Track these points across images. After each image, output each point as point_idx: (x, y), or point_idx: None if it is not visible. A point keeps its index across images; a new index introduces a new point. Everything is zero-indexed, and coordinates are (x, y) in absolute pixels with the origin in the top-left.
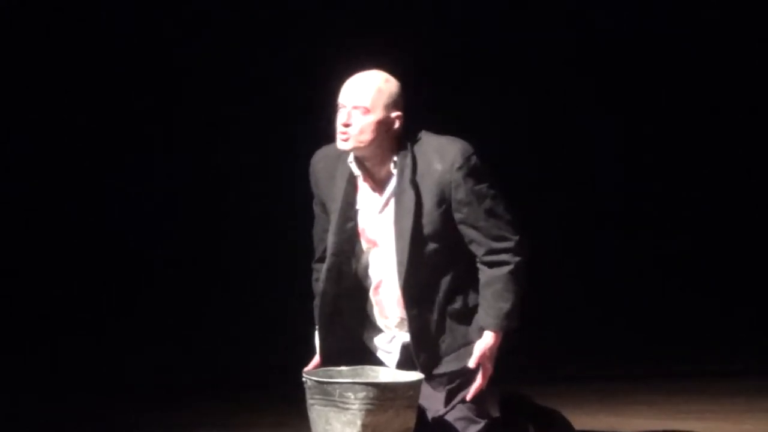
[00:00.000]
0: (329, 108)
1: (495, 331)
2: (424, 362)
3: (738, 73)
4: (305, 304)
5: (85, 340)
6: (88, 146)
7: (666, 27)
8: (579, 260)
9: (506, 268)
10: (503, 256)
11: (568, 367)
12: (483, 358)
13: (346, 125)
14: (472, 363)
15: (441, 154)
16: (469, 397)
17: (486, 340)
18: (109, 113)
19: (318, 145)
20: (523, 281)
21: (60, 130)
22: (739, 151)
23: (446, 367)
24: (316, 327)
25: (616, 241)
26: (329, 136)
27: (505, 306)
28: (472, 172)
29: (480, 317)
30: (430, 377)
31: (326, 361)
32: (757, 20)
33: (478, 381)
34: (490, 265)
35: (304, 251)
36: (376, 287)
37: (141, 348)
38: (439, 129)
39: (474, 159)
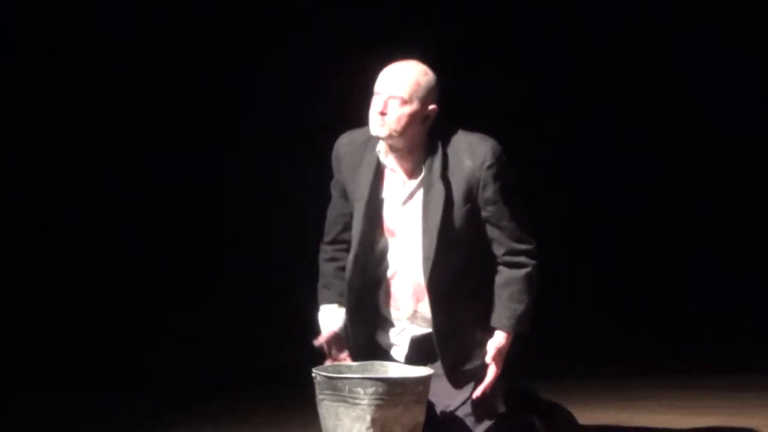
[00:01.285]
0: (332, 105)
1: (507, 332)
2: (446, 359)
3: (738, 72)
4: (311, 301)
5: (86, 339)
6: (87, 146)
7: (667, 24)
8: (580, 256)
9: (524, 271)
10: (522, 258)
11: (576, 364)
12: (495, 356)
13: (382, 113)
14: (488, 359)
15: (472, 152)
16: (476, 395)
17: (498, 339)
18: (109, 113)
19: (318, 143)
20: (537, 285)
21: (60, 130)
22: (740, 151)
23: (468, 364)
24: (320, 308)
25: (620, 235)
26: (335, 133)
27: (519, 308)
28: (501, 172)
29: (494, 317)
30: (451, 374)
31: (357, 353)
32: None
33: (488, 380)
34: (509, 265)
35: (311, 248)
36: (391, 278)
37: (144, 347)
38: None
39: (504, 159)
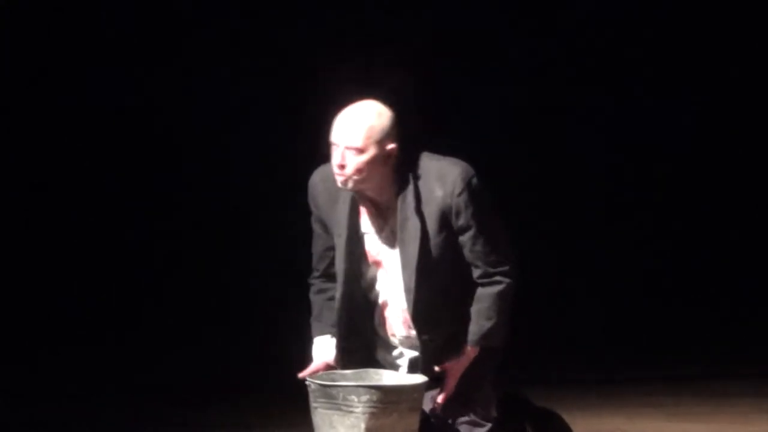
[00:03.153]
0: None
1: (471, 347)
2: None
3: (738, 71)
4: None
5: (90, 342)
6: (87, 149)
7: (666, 14)
8: (581, 261)
9: (497, 288)
10: (496, 278)
11: (573, 370)
12: (450, 367)
13: (341, 166)
14: (437, 368)
15: (442, 180)
16: (439, 399)
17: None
18: (108, 114)
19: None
20: (511, 302)
21: (59, 131)
22: (739, 152)
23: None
24: (314, 340)
25: (619, 237)
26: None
27: (487, 324)
28: (473, 197)
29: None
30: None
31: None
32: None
33: (446, 388)
34: (483, 285)
35: (302, 261)
36: (384, 306)
37: (147, 350)
38: (439, 128)
39: (474, 182)
